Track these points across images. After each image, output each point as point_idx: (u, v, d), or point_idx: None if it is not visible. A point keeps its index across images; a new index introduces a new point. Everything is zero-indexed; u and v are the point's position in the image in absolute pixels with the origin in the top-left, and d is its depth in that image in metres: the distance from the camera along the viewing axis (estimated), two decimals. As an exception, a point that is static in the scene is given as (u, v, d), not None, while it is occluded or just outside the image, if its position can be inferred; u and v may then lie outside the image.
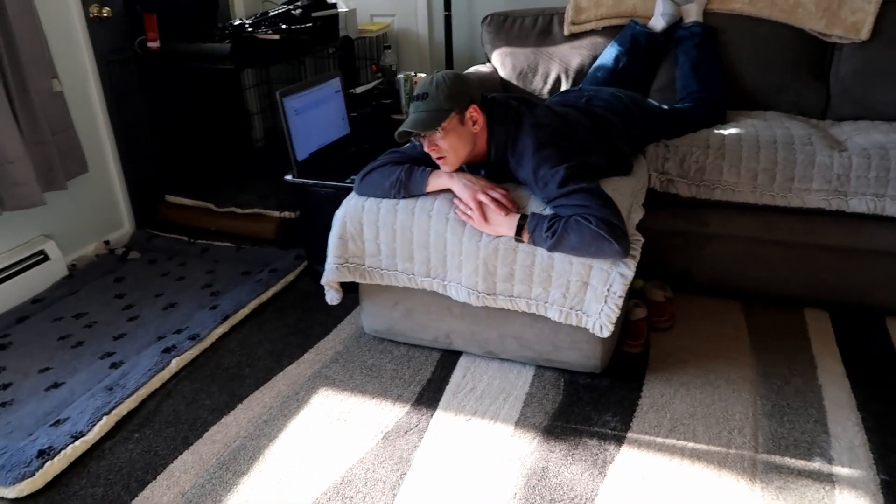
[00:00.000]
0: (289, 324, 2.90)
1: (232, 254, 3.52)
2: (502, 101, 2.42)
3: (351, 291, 2.63)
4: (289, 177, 3.06)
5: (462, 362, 2.58)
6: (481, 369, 2.53)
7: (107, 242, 3.64)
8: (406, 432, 2.24)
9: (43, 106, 3.14)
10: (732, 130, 2.87)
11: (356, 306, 2.84)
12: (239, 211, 3.79)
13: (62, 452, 2.14)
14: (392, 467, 2.10)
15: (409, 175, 2.41)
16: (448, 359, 2.60)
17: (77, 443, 2.19)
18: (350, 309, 2.90)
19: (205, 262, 3.44)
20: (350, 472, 2.09)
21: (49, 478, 2.09)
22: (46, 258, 3.25)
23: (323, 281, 2.57)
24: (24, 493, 2.04)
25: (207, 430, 2.29)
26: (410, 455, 2.14)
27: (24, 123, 3.05)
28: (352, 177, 2.91)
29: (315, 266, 3.21)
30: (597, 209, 2.15)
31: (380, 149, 2.67)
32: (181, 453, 2.20)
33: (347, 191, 2.64)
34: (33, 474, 2.06)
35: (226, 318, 2.87)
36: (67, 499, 2.03)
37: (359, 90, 4.05)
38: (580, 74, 3.63)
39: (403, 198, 2.42)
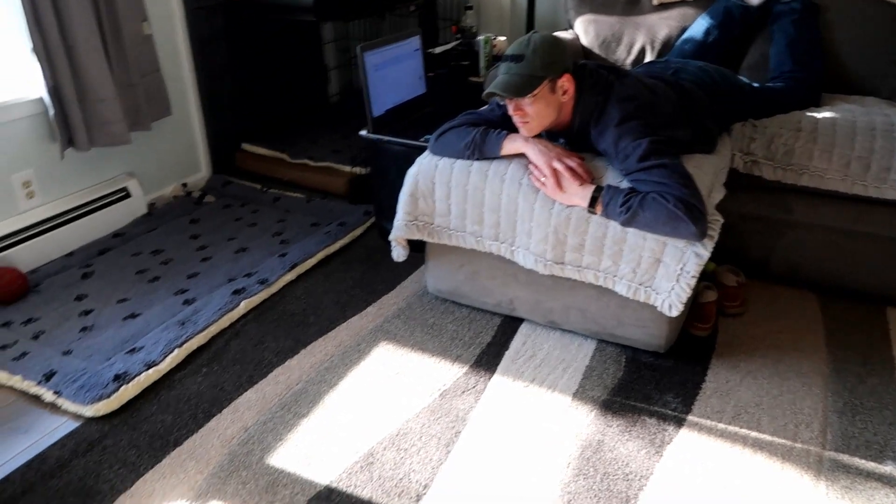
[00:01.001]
0: (354, 277, 2.95)
1: (302, 205, 3.58)
2: (594, 70, 2.36)
3: (417, 250, 2.65)
4: (363, 132, 3.07)
5: (523, 329, 2.57)
6: (542, 338, 2.51)
7: (184, 185, 3.76)
8: (463, 392, 2.26)
9: (133, 48, 3.24)
10: (827, 114, 2.72)
11: (421, 265, 2.85)
12: (311, 163, 3.85)
13: (136, 379, 2.25)
14: (447, 425, 2.12)
15: (484, 137, 2.38)
16: (509, 324, 2.60)
17: (150, 371, 2.30)
18: (415, 267, 2.92)
19: (276, 211, 3.52)
20: (406, 426, 2.12)
21: (123, 401, 2.20)
22: (128, 195, 3.38)
23: (391, 237, 2.59)
24: (101, 413, 2.16)
25: (271, 372, 2.37)
26: (466, 415, 2.16)
27: (115, 64, 3.15)
28: (426, 136, 2.90)
29: (383, 223, 3.24)
30: (676, 188, 2.08)
31: (455, 110, 2.65)
32: (246, 390, 2.28)
33: (420, 150, 2.64)
34: (109, 396, 2.18)
35: (294, 267, 2.94)
36: (140, 422, 2.13)
37: (437, 50, 4.01)
38: (666, 47, 3.50)
39: (477, 159, 2.40)
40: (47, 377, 2.27)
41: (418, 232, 2.54)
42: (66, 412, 2.18)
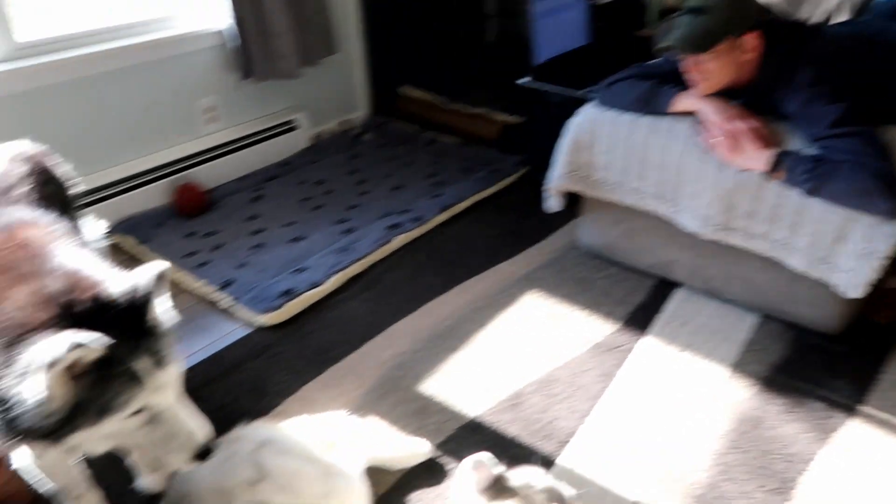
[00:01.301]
0: (505, 224, 2.97)
1: (456, 149, 3.63)
2: (785, 27, 2.18)
3: (571, 203, 2.61)
4: (524, 80, 3.04)
5: (678, 294, 2.49)
6: (698, 305, 2.43)
7: (346, 122, 3.91)
8: (613, 348, 2.24)
9: (308, -16, 3.35)
10: None
11: (574, 218, 2.82)
12: (467, 109, 3.87)
13: (301, 296, 2.41)
14: (596, 378, 2.12)
15: (655, 92, 2.29)
16: (663, 287, 2.53)
17: (314, 290, 2.45)
18: (567, 220, 2.89)
19: (430, 153, 3.59)
20: (554, 373, 2.14)
21: (290, 315, 2.37)
22: (295, 128, 3.57)
23: (546, 187, 2.57)
24: (270, 323, 2.34)
25: (424, 305, 2.45)
26: (615, 371, 2.14)
27: (292, 1, 3.28)
28: (588, 87, 2.84)
29: (536, 173, 3.21)
30: (872, 158, 1.91)
31: (621, 62, 2.56)
32: (399, 319, 2.38)
33: (582, 101, 2.58)
34: (278, 309, 2.35)
35: (447, 208, 3.00)
36: (303, 336, 2.29)
37: (603, 0, 3.87)
38: (864, 5, 3.17)
39: (646, 114, 2.32)
40: (225, 285, 2.48)
41: (576, 184, 2.50)
42: (240, 319, 2.38)
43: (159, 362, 1.24)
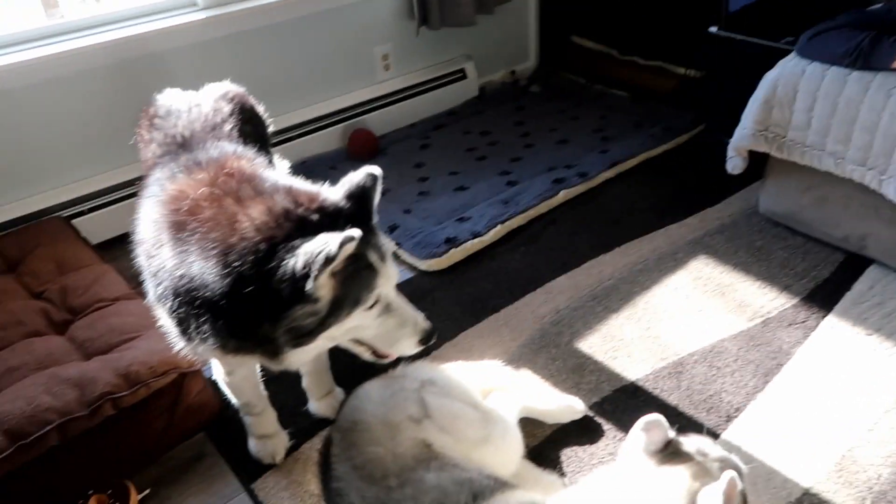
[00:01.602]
0: (676, 184, 2.81)
1: (626, 103, 3.47)
2: None
3: (754, 165, 2.41)
4: (713, 29, 2.82)
5: (871, 272, 2.24)
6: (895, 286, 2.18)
7: (513, 72, 3.86)
8: (790, 325, 2.07)
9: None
10: None
11: (755, 181, 2.61)
12: (640, 61, 3.67)
13: (463, 245, 2.45)
14: (768, 354, 1.97)
15: (874, 44, 2.02)
16: (853, 263, 2.28)
17: (475, 240, 2.47)
18: (746, 183, 2.68)
19: (599, 107, 3.46)
20: (720, 344, 2.02)
21: (451, 262, 2.42)
22: (464, 77, 3.57)
23: (731, 146, 2.39)
24: (432, 269, 2.40)
25: (584, 263, 2.40)
26: (791, 349, 1.98)
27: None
28: (788, 38, 2.57)
29: (715, 132, 3.00)
30: None
31: (827, 9, 2.28)
32: (559, 275, 2.35)
33: (780, 52, 2.35)
34: (440, 256, 2.40)
35: (614, 164, 2.89)
36: (464, 284, 2.33)
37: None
38: None
39: (859, 69, 2.06)
40: (391, 229, 2.57)
41: (765, 144, 2.30)
42: (404, 262, 2.47)
43: (383, 255, 1.35)
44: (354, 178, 1.35)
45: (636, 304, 2.20)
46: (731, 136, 2.38)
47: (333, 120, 3.17)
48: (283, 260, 1.21)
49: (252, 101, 1.87)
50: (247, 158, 1.50)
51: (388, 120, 3.33)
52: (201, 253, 1.27)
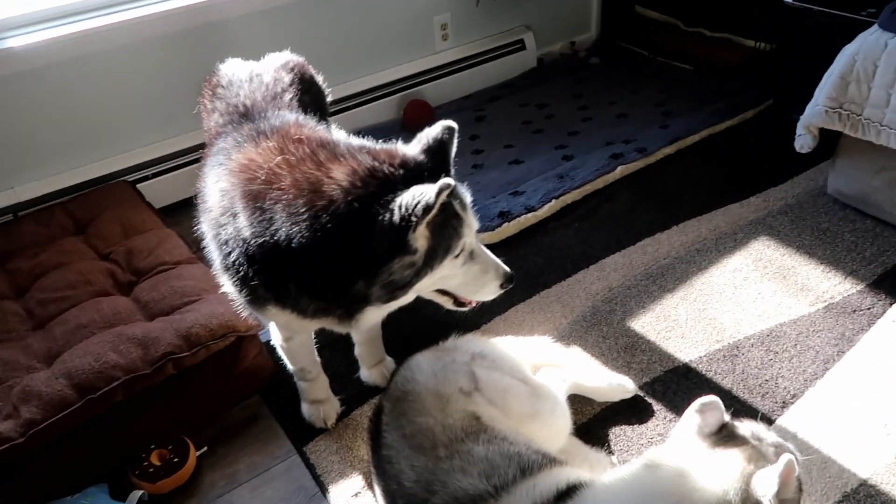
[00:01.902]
0: (739, 162, 2.72)
1: (690, 77, 3.36)
2: None
3: (824, 143, 2.30)
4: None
5: (946, 259, 2.14)
6: (972, 274, 2.07)
7: (572, 44, 3.77)
8: (854, 311, 2.00)
9: None
10: None
11: (824, 161, 2.50)
12: (707, 33, 3.54)
13: (517, 219, 2.43)
14: (830, 340, 1.91)
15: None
16: (927, 250, 2.18)
17: (529, 215, 2.45)
18: (814, 163, 2.57)
19: (661, 81, 3.36)
20: (779, 329, 1.97)
21: (504, 236, 2.40)
22: (523, 48, 3.51)
23: (801, 123, 2.29)
24: (485, 243, 2.36)
25: (640, 241, 2.36)
26: (855, 336, 1.92)
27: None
28: (870, 8, 2.44)
29: (784, 108, 2.88)
30: None
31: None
32: (613, 253, 2.32)
33: (859, 25, 2.22)
34: (493, 229, 2.39)
35: (674, 140, 2.81)
36: (517, 259, 2.32)
37: None
38: None
39: (948, 43, 1.94)
40: (444, 202, 2.57)
41: (838, 122, 2.20)
42: (456, 235, 2.46)
43: (465, 204, 1.38)
44: (431, 132, 1.37)
45: (692, 284, 2.15)
46: (801, 112, 2.28)
47: (389, 90, 3.16)
48: (379, 216, 1.23)
49: (311, 70, 1.88)
50: (308, 126, 1.51)
51: (443, 91, 3.31)
52: (288, 220, 1.29)
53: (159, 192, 2.59)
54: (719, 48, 3.45)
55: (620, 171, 2.67)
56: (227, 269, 1.46)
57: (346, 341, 1.93)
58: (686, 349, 1.93)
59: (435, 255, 1.32)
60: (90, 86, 2.45)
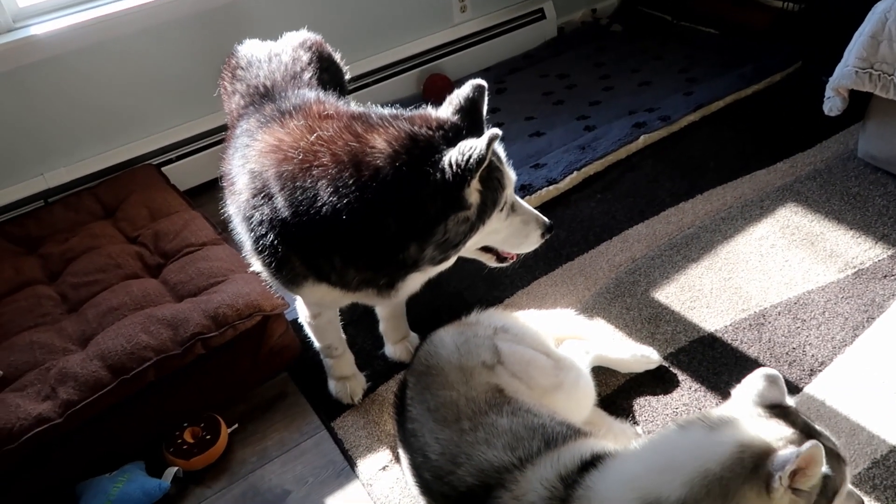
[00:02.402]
0: (766, 127, 2.66)
1: (715, 41, 3.28)
2: None
3: (854, 106, 2.24)
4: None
5: (982, 221, 2.08)
6: None
7: (594, 11, 3.70)
8: (885, 277, 1.96)
9: None
10: None
11: (854, 124, 2.44)
12: (732, -5, 3.45)
13: (538, 192, 2.41)
14: (859, 307, 1.88)
15: None
16: (962, 212, 2.13)
17: (550, 187, 2.43)
18: (844, 126, 2.51)
19: (685, 46, 3.29)
20: (807, 296, 1.94)
21: (526, 210, 2.39)
22: (542, 17, 3.46)
23: (830, 85, 2.23)
24: (507, 216, 2.39)
25: (663, 211, 2.33)
26: (885, 301, 1.88)
27: None
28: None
29: (813, 71, 2.81)
30: None
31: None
32: (636, 224, 2.29)
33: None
34: (515, 203, 2.38)
35: (699, 107, 2.75)
36: (538, 231, 2.31)
37: None
38: None
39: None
40: (466, 176, 2.56)
41: (869, 83, 2.13)
42: (478, 209, 2.46)
43: (500, 158, 1.40)
44: (462, 92, 1.39)
45: (717, 253, 2.13)
46: (830, 74, 2.22)
47: (408, 65, 3.15)
48: (430, 176, 1.25)
49: (329, 48, 1.88)
50: (330, 103, 1.52)
51: (463, 64, 3.28)
52: (335, 194, 1.30)
53: (184, 174, 2.62)
54: (745, 10, 3.36)
55: (643, 140, 2.63)
56: (260, 250, 1.47)
57: (371, 318, 1.95)
58: (711, 319, 1.92)
59: (485, 209, 1.34)
60: (112, 71, 2.48)
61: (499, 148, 1.40)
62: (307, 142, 1.36)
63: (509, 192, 1.41)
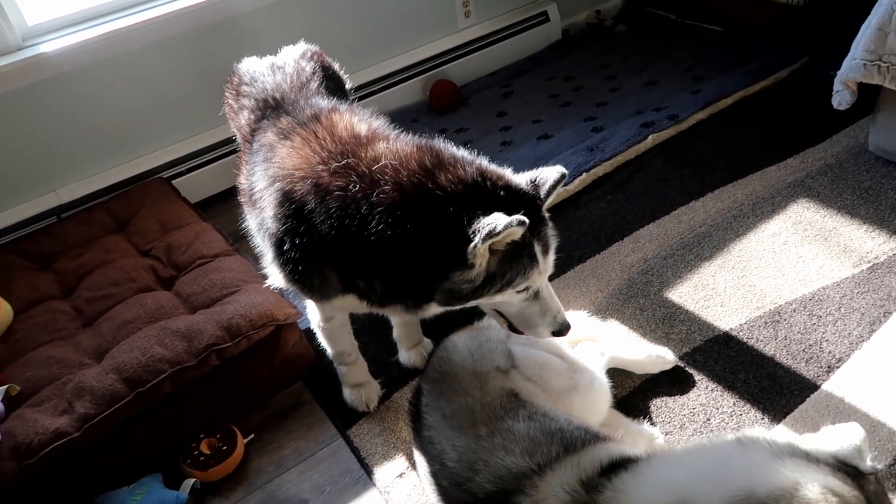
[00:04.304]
0: (775, 124, 2.65)
1: (720, 39, 3.27)
2: None
3: (863, 99, 2.22)
4: (819, -49, 2.59)
5: None
6: None
7: (598, 12, 3.70)
8: (901, 270, 1.94)
9: None
10: None
11: (863, 117, 2.42)
12: (736, -8, 3.43)
13: (548, 195, 2.40)
14: (875, 301, 1.86)
15: None
16: (977, 203, 2.10)
17: (560, 189, 2.42)
18: (853, 119, 2.49)
19: (690, 45, 3.28)
20: (822, 292, 1.92)
21: (536, 213, 2.38)
22: (547, 20, 3.46)
23: (839, 79, 2.21)
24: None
25: (675, 210, 2.32)
26: (902, 296, 1.87)
27: None
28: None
29: (820, 65, 2.79)
30: None
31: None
32: (647, 224, 2.29)
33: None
34: (524, 206, 2.38)
35: (706, 105, 2.74)
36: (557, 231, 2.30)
37: None
38: None
39: None
40: (474, 181, 2.56)
41: (877, 75, 2.12)
42: (488, 214, 2.46)
43: (547, 249, 1.40)
44: (545, 172, 1.40)
45: (730, 251, 2.11)
46: (837, 68, 2.21)
47: (414, 72, 3.15)
48: (465, 225, 1.26)
49: (328, 58, 1.89)
50: (343, 112, 1.52)
51: (468, 69, 3.28)
52: (388, 223, 1.30)
53: (194, 186, 2.64)
54: (750, 6, 3.34)
55: (652, 139, 2.62)
56: (288, 262, 1.46)
57: (384, 325, 1.95)
58: (726, 317, 1.91)
59: (494, 281, 1.33)
60: (121, 86, 2.50)
61: (552, 240, 1.42)
62: (369, 166, 1.36)
63: (536, 281, 1.40)
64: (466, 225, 1.26)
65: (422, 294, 1.37)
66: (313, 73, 1.72)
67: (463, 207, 1.28)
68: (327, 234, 1.37)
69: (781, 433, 1.11)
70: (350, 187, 1.35)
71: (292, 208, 1.41)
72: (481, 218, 1.25)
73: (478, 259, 1.29)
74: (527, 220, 1.24)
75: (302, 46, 1.88)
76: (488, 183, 1.32)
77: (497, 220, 1.23)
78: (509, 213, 1.25)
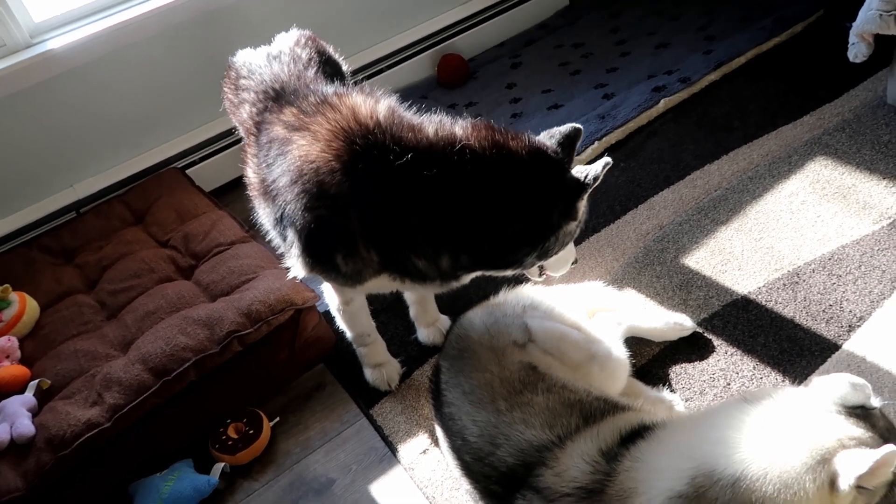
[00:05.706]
0: (789, 80, 2.59)
1: (732, -4, 3.20)
2: None
3: (880, 51, 2.17)
4: None
5: None
6: None
7: (605, -26, 3.62)
8: (923, 225, 1.91)
9: None
10: None
11: (880, 70, 2.37)
12: (747, -55, 3.34)
13: (560, 165, 2.39)
14: (895, 258, 1.84)
15: None
16: None
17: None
18: (870, 73, 2.43)
19: (701, 4, 3.20)
20: (842, 251, 1.90)
21: (549, 184, 2.37)
22: (553, -15, 3.40)
23: (854, 31, 2.16)
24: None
25: (689, 174, 2.29)
26: (924, 251, 1.84)
27: None
28: None
29: (836, 17, 2.72)
30: None
31: None
32: (662, 190, 2.27)
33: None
34: (537, 178, 2.37)
35: (719, 66, 2.69)
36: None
37: None
38: None
39: None
40: (486, 155, 2.55)
41: (895, 26, 2.06)
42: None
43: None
44: (562, 129, 1.50)
45: (746, 214, 2.09)
46: (853, 20, 2.15)
47: (422, 47, 3.12)
48: (558, 187, 1.43)
49: (322, 42, 1.87)
50: (346, 95, 1.51)
51: (476, 41, 3.25)
52: (467, 194, 1.39)
53: (208, 174, 2.66)
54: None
55: (664, 104, 2.58)
56: (328, 252, 1.46)
57: (401, 305, 1.97)
58: (744, 281, 1.90)
59: (578, 226, 1.53)
60: (130, 78, 2.51)
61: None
62: (431, 143, 1.41)
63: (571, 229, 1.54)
64: (560, 183, 1.42)
65: (509, 260, 1.47)
66: (309, 60, 1.70)
67: (536, 171, 1.42)
68: (381, 216, 1.40)
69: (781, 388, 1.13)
70: (407, 165, 1.37)
71: (329, 195, 1.39)
72: (568, 175, 1.44)
73: (581, 210, 1.48)
74: (610, 160, 1.43)
75: (295, 33, 1.86)
76: (549, 150, 1.45)
77: (594, 168, 1.42)
78: (561, 171, 1.45)
